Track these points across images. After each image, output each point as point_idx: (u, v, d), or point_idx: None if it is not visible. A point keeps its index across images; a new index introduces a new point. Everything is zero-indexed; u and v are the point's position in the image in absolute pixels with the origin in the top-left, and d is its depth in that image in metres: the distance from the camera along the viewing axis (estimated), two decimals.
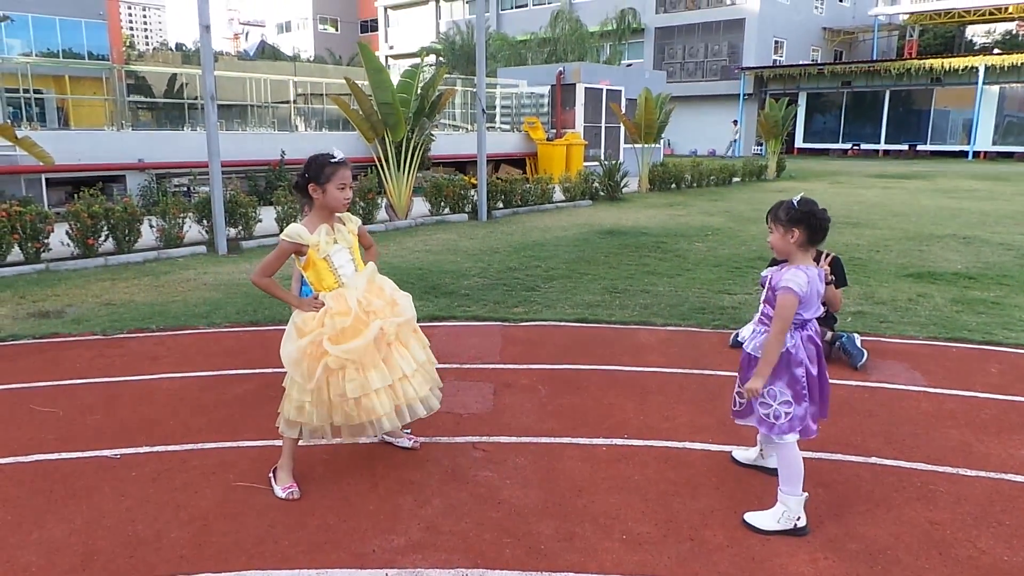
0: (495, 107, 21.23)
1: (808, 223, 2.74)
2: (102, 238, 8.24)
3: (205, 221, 9.07)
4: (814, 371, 2.82)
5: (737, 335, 5.16)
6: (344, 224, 3.15)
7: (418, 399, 3.13)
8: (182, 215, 8.84)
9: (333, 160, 3.01)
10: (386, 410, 2.99)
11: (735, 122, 34.79)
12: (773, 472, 3.00)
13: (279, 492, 3.03)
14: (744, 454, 3.36)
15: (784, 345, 2.77)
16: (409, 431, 3.53)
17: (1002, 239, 9.82)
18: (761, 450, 3.28)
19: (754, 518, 2.82)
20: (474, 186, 12.35)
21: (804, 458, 2.87)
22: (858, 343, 4.73)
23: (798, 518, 2.77)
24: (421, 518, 2.86)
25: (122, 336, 5.39)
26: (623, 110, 19.03)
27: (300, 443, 3.13)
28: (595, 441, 3.56)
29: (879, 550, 2.66)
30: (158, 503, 2.96)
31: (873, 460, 3.37)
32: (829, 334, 4.74)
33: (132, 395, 4.20)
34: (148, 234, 8.75)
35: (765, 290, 2.86)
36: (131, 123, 14.05)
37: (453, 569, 2.53)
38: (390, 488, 3.10)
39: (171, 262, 8.28)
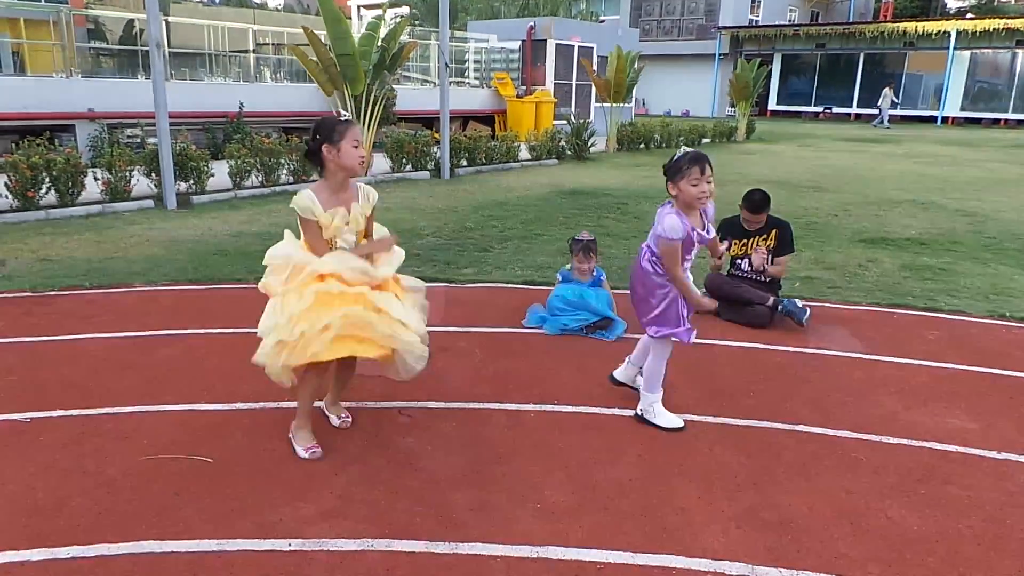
0: (466, 62, 20.77)
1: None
2: (43, 190, 7.94)
3: (154, 175, 8.78)
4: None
5: None
6: (359, 203, 3.00)
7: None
8: (129, 168, 8.54)
9: (343, 119, 2.92)
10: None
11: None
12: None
13: (301, 452, 3.00)
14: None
15: None
16: (347, 413, 3.34)
17: (959, 205, 9.89)
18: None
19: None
20: (438, 142, 12.12)
21: (738, 426, 3.29)
22: (799, 304, 4.75)
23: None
24: (335, 486, 2.79)
25: (53, 293, 5.20)
26: (595, 67, 18.74)
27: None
28: (524, 407, 3.51)
29: (791, 519, 2.66)
30: (63, 470, 2.86)
31: (800, 428, 3.37)
32: (771, 299, 4.72)
33: (55, 355, 4.06)
34: (94, 187, 8.45)
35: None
36: (81, 70, 13.45)
37: (359, 539, 2.47)
38: None
39: (116, 216, 8.03)
